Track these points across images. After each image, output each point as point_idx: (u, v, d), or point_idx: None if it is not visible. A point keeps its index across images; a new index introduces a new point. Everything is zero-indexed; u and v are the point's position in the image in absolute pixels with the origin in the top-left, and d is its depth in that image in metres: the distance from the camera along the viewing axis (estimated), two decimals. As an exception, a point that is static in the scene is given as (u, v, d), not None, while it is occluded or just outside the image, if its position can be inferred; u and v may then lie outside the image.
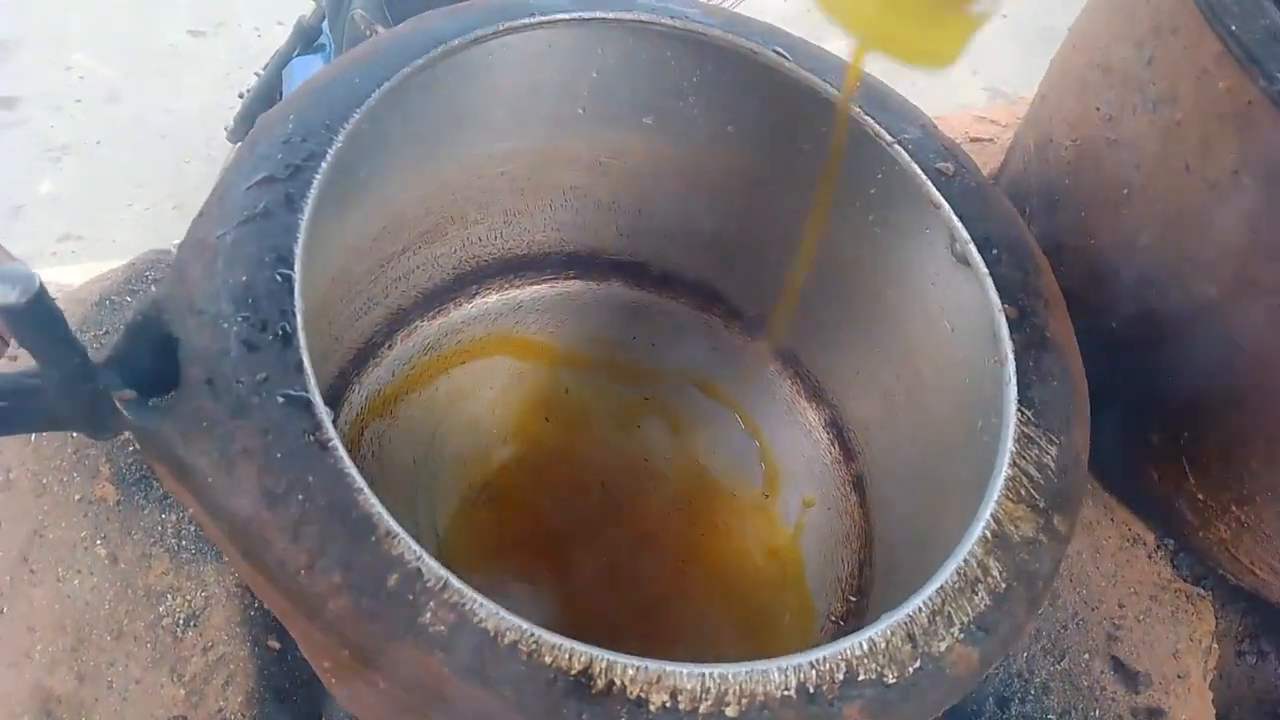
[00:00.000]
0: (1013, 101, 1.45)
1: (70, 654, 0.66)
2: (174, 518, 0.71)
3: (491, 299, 0.84)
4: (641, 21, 0.68)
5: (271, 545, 0.44)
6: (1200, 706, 0.74)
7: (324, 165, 0.55)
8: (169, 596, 0.68)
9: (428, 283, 0.80)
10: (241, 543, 0.45)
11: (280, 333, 0.49)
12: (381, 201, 0.70)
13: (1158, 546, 0.81)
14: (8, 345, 0.84)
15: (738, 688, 0.42)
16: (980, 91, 2.41)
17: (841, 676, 0.43)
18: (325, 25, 1.50)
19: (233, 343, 0.48)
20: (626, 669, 0.42)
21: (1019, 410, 0.54)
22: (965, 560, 0.48)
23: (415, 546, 0.44)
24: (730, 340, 0.86)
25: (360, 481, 0.45)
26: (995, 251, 0.61)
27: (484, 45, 0.64)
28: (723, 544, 0.81)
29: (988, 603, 0.47)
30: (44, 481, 0.71)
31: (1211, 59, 0.61)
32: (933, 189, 0.63)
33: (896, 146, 0.65)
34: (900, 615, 0.46)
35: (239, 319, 0.49)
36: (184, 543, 0.70)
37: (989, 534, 0.49)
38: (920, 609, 0.46)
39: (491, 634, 0.42)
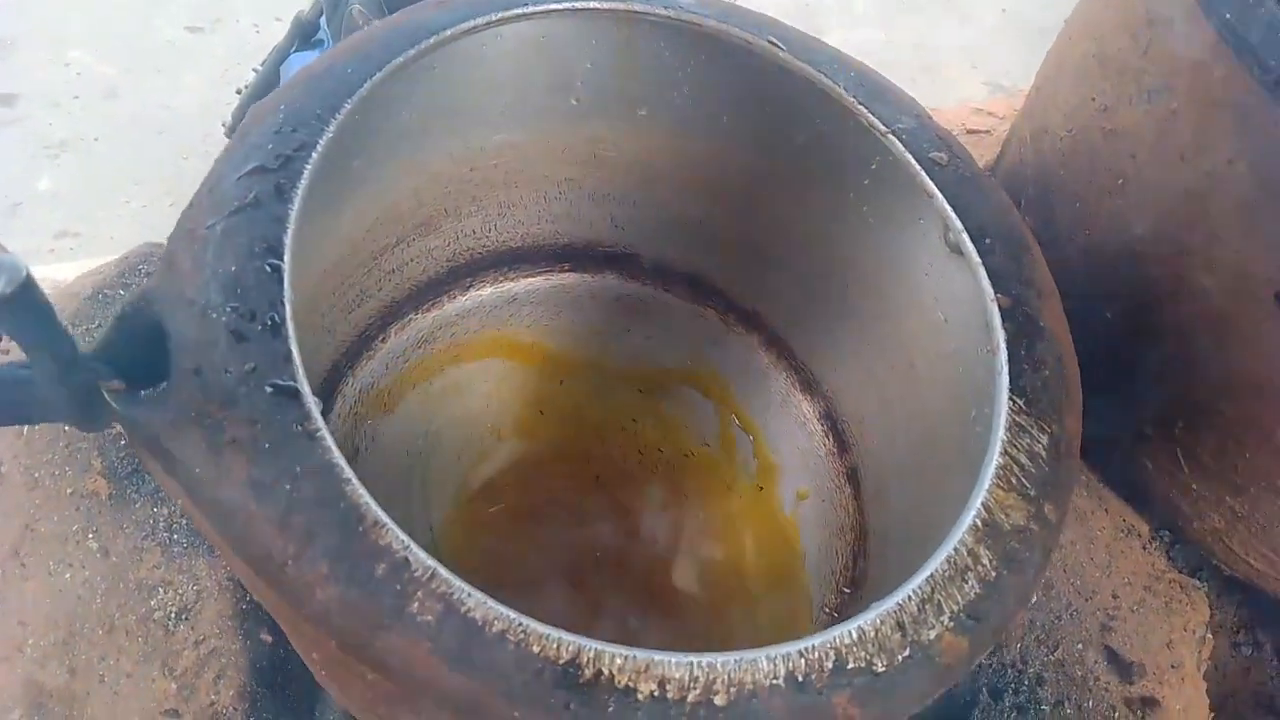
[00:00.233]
0: (1011, 95, 1.44)
1: (62, 648, 0.66)
2: (166, 511, 0.71)
3: (485, 291, 0.84)
4: (635, 12, 0.68)
5: (259, 536, 0.44)
6: (1194, 696, 0.74)
7: (315, 156, 0.55)
8: (161, 590, 0.68)
9: (421, 275, 0.80)
10: (229, 534, 0.45)
11: (269, 323, 0.48)
12: (374, 193, 0.70)
13: (1152, 537, 0.81)
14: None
15: (726, 676, 0.42)
16: (981, 86, 2.41)
17: (830, 665, 0.43)
18: (323, 21, 1.49)
19: (221, 333, 0.48)
20: (614, 658, 0.42)
21: (1011, 399, 0.54)
22: (955, 549, 0.48)
23: (403, 536, 0.44)
24: (724, 332, 0.86)
25: (349, 472, 0.45)
26: (988, 241, 0.60)
27: (476, 36, 0.64)
28: (718, 536, 0.81)
29: (978, 591, 0.47)
30: (36, 475, 0.70)
31: (1207, 48, 0.61)
32: (926, 179, 0.63)
33: (890, 136, 0.65)
34: (890, 604, 0.46)
35: (228, 309, 0.48)
36: (176, 536, 0.70)
37: (979, 522, 0.49)
38: (910, 597, 0.46)
39: (479, 623, 0.42)
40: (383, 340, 0.80)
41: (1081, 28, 0.78)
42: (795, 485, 0.82)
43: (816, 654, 0.44)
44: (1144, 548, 0.80)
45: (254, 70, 1.64)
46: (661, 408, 0.86)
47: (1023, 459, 0.52)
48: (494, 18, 0.64)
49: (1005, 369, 0.55)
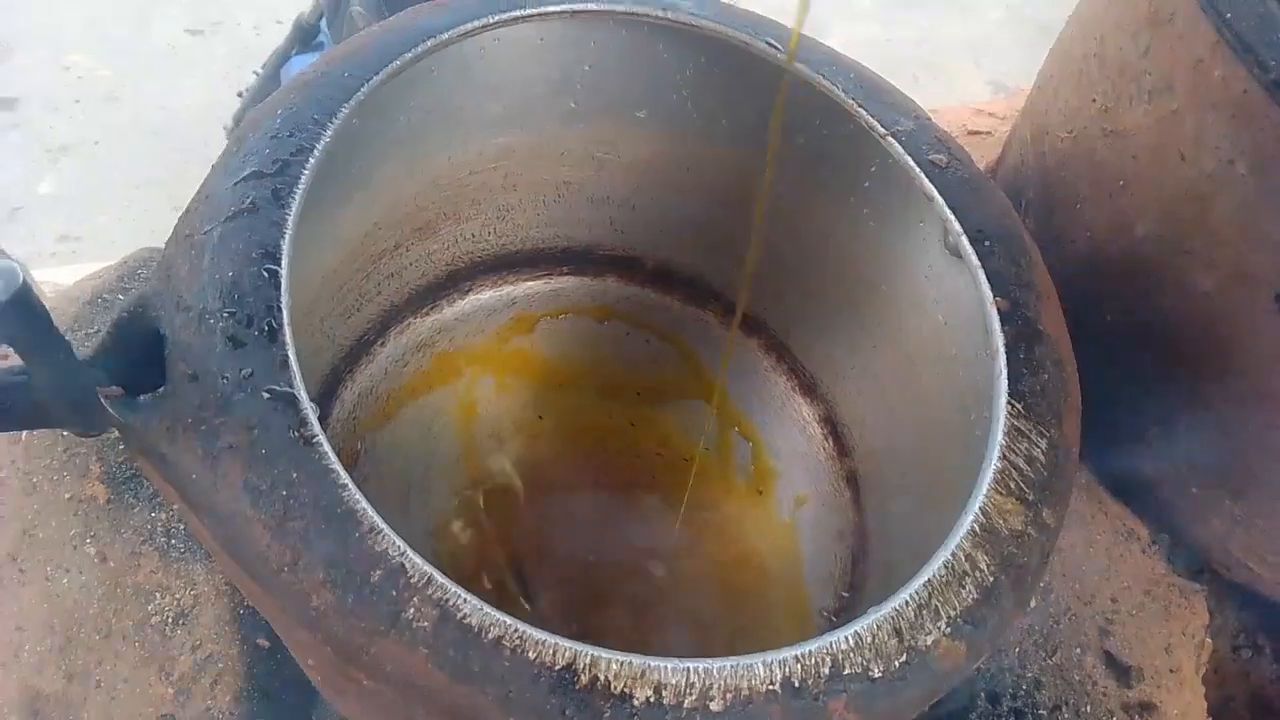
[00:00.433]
0: (1012, 95, 1.44)
1: (59, 653, 0.66)
2: (164, 516, 0.71)
3: (485, 295, 0.84)
4: (633, 14, 0.67)
5: (255, 541, 0.44)
6: (1192, 701, 0.73)
7: (312, 160, 0.55)
8: (158, 595, 0.68)
9: (420, 279, 0.80)
10: (225, 539, 0.45)
11: (266, 329, 0.48)
12: (373, 197, 0.69)
13: (1151, 541, 0.80)
14: None
15: (722, 682, 0.42)
16: (984, 86, 2.40)
17: (827, 671, 0.43)
18: (324, 23, 1.49)
19: (218, 339, 0.48)
20: (611, 664, 0.42)
21: (1009, 403, 0.54)
22: (953, 554, 0.48)
23: (399, 542, 0.44)
24: (725, 336, 0.86)
25: (345, 477, 0.45)
26: (988, 243, 0.60)
27: (474, 39, 0.64)
28: (716, 541, 0.81)
29: (975, 596, 0.47)
30: (34, 480, 0.70)
31: (1207, 48, 0.61)
32: (926, 181, 0.63)
33: (890, 139, 0.65)
34: (887, 609, 0.45)
35: (225, 315, 0.48)
36: (174, 541, 0.70)
37: (977, 527, 0.49)
38: (907, 603, 0.46)
39: (476, 629, 0.42)
40: (381, 345, 0.80)
41: (1081, 28, 0.78)
42: (794, 490, 0.82)
43: (813, 659, 0.43)
44: (1143, 551, 0.79)
45: (254, 73, 1.64)
46: (660, 412, 0.86)
47: (1021, 463, 0.52)
48: (491, 20, 0.64)
49: (1004, 372, 0.55)
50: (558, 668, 0.42)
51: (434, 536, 0.77)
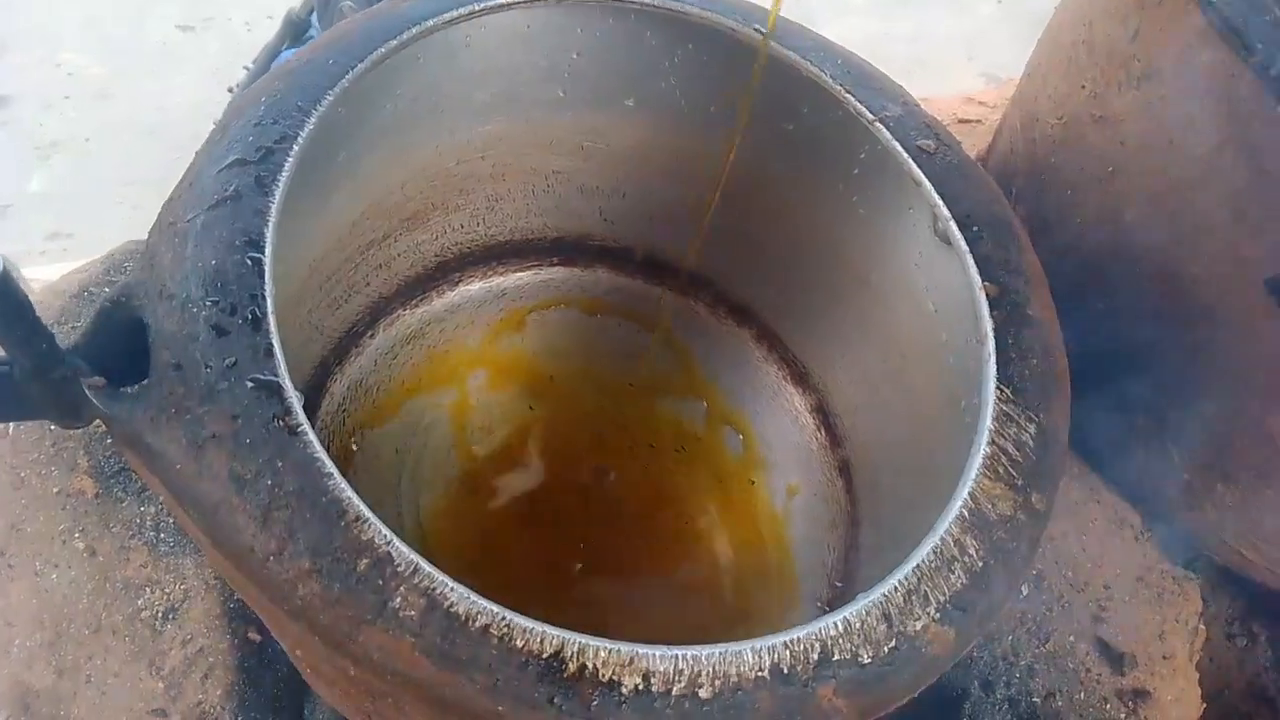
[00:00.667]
0: (1003, 84, 1.44)
1: (48, 648, 0.65)
2: (153, 510, 0.70)
3: (474, 286, 0.84)
4: (621, 1, 0.67)
5: (241, 531, 0.43)
6: (1185, 687, 0.73)
7: (296, 148, 0.54)
8: (148, 590, 0.68)
9: (409, 270, 0.80)
10: (211, 529, 0.45)
11: (250, 317, 0.48)
12: (360, 186, 0.69)
13: (1144, 529, 0.80)
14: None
15: (711, 669, 0.42)
16: (977, 77, 2.40)
17: (816, 657, 0.43)
18: (314, 18, 1.49)
19: (201, 327, 0.47)
20: (599, 651, 0.42)
21: (998, 388, 0.53)
22: (942, 539, 0.47)
23: (385, 531, 0.43)
24: (715, 325, 0.86)
25: (331, 466, 0.45)
26: (976, 229, 0.60)
27: (460, 26, 0.64)
28: (709, 531, 0.81)
29: (964, 581, 0.47)
30: (21, 475, 0.70)
31: (1195, 33, 0.61)
32: (914, 167, 0.63)
33: (878, 125, 0.64)
34: (875, 595, 0.45)
35: (208, 303, 0.48)
36: (163, 535, 0.69)
37: (966, 513, 0.49)
38: (896, 588, 0.46)
39: (463, 618, 0.42)
40: (371, 336, 0.79)
41: (1070, 15, 0.78)
42: (786, 479, 0.81)
43: (801, 646, 0.43)
44: (1136, 539, 0.79)
45: (246, 69, 1.63)
46: (652, 402, 0.86)
47: (1010, 448, 0.51)
48: (477, 8, 0.63)
49: (993, 358, 0.55)
50: (545, 655, 0.42)
51: (423, 526, 0.76)
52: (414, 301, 0.81)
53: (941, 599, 0.46)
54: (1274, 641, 0.87)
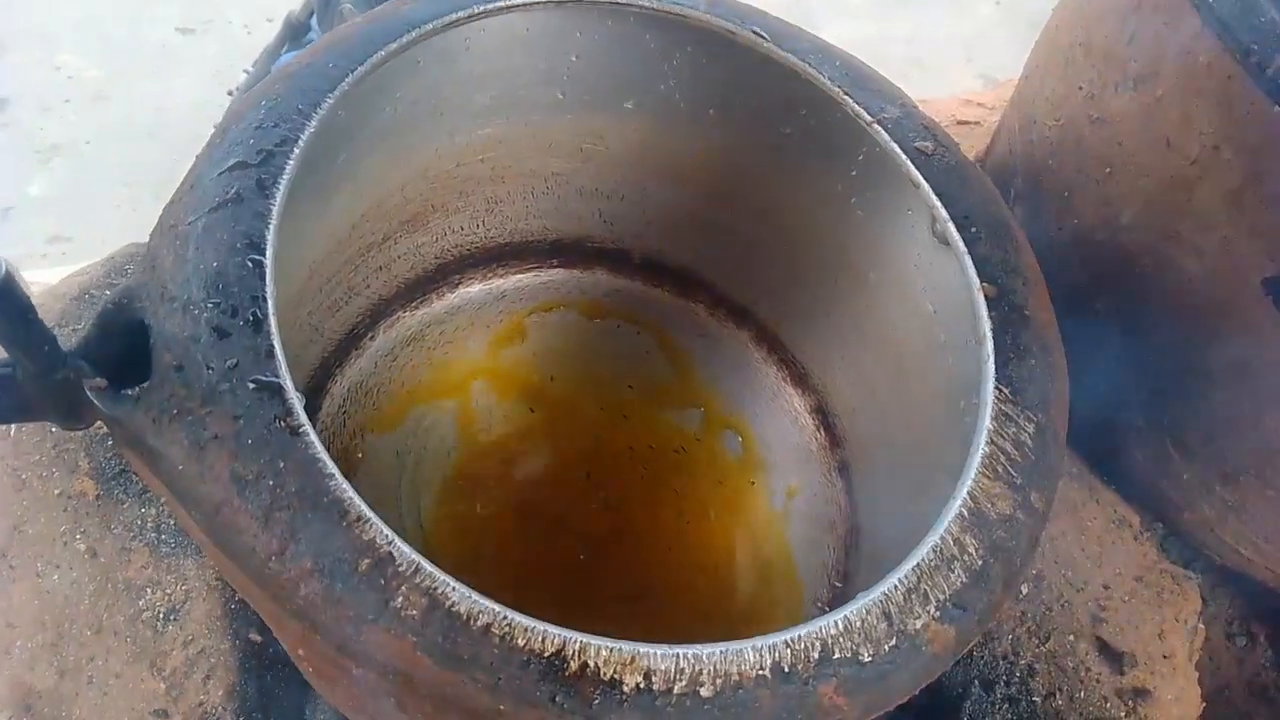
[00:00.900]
0: (1000, 85, 1.44)
1: (50, 649, 0.66)
2: (154, 512, 0.71)
3: (474, 288, 0.84)
4: (619, 4, 0.67)
5: (242, 532, 0.44)
6: (1185, 686, 0.74)
7: (297, 151, 0.54)
8: (149, 590, 0.68)
9: (409, 272, 0.80)
10: (213, 530, 0.45)
11: (251, 319, 0.48)
12: (360, 189, 0.69)
13: (1144, 528, 0.80)
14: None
15: (712, 668, 0.42)
16: (975, 79, 2.40)
17: (817, 655, 0.43)
18: (314, 20, 1.49)
19: (203, 329, 0.48)
20: (600, 650, 0.42)
21: (997, 388, 0.54)
22: (941, 538, 0.48)
23: (387, 531, 0.44)
24: (714, 327, 0.86)
25: (332, 467, 0.45)
26: (974, 230, 0.60)
27: (460, 29, 0.64)
28: (709, 532, 0.81)
29: (964, 580, 0.47)
30: (23, 477, 0.70)
31: (1191, 34, 0.61)
32: (912, 168, 0.63)
33: (876, 126, 0.65)
34: (876, 594, 0.45)
35: (209, 305, 0.48)
36: (164, 537, 0.70)
37: (965, 511, 0.49)
38: (896, 587, 0.46)
39: (464, 617, 0.42)
40: (371, 338, 0.79)
41: (1068, 16, 0.78)
42: (786, 480, 0.81)
43: (802, 644, 0.43)
44: (1135, 538, 0.79)
45: (245, 71, 1.64)
46: (652, 404, 0.86)
47: (1009, 448, 0.52)
48: (477, 11, 0.63)
49: (991, 358, 0.55)
50: (547, 654, 0.42)
51: (424, 527, 0.76)
52: (414, 303, 0.81)
53: (941, 598, 0.46)
54: (1274, 641, 0.87)
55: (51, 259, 1.79)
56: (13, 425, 0.71)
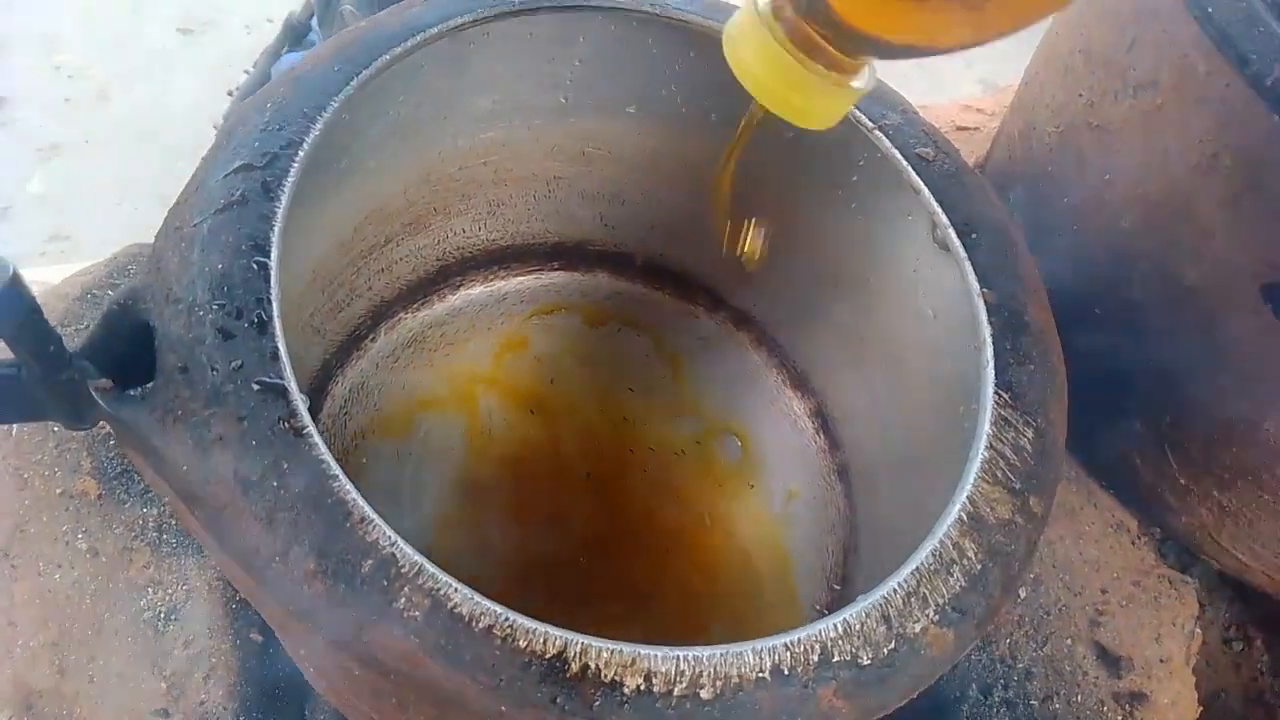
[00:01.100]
0: (1000, 92, 1.45)
1: (51, 648, 0.66)
2: (155, 512, 0.71)
3: (475, 290, 0.84)
4: (623, 9, 0.68)
5: (246, 532, 0.44)
6: (1182, 691, 0.74)
7: (302, 153, 0.55)
8: (150, 590, 0.68)
9: (411, 274, 0.80)
10: (216, 531, 0.45)
11: (256, 320, 0.48)
12: (363, 191, 0.70)
13: (1141, 533, 0.81)
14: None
15: (712, 670, 0.42)
16: (975, 85, 2.40)
17: (816, 658, 0.43)
18: (315, 22, 1.49)
19: (208, 330, 0.48)
20: (601, 652, 0.42)
21: (997, 393, 0.54)
22: (941, 542, 0.48)
23: (390, 532, 0.44)
24: (715, 330, 0.86)
25: (335, 468, 0.45)
26: (974, 236, 0.61)
27: (463, 34, 0.64)
28: (708, 535, 0.81)
29: (963, 584, 0.47)
30: (25, 476, 0.70)
31: (1191, 42, 0.62)
32: (913, 174, 0.63)
33: (877, 132, 0.65)
34: (875, 597, 0.46)
35: (214, 307, 0.48)
36: (166, 537, 0.70)
37: (965, 516, 0.49)
38: (895, 590, 0.46)
39: (466, 618, 0.42)
40: (372, 340, 0.80)
41: (1068, 24, 0.78)
42: (785, 483, 0.82)
43: (802, 647, 0.44)
44: (1133, 543, 0.80)
45: (246, 72, 1.64)
46: (651, 406, 0.86)
47: (1008, 453, 0.52)
48: (480, 15, 0.64)
49: (991, 364, 0.55)
50: (548, 656, 0.42)
51: (426, 528, 0.77)
52: (415, 305, 0.82)
53: (940, 601, 0.46)
54: (1270, 645, 0.88)
55: (50, 257, 1.80)
56: (15, 425, 0.71)
